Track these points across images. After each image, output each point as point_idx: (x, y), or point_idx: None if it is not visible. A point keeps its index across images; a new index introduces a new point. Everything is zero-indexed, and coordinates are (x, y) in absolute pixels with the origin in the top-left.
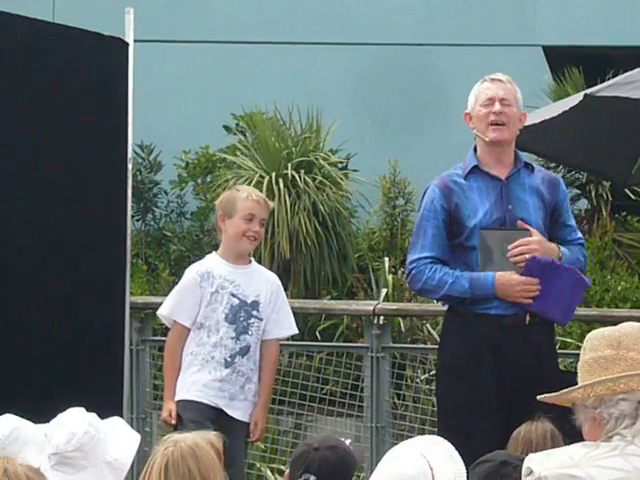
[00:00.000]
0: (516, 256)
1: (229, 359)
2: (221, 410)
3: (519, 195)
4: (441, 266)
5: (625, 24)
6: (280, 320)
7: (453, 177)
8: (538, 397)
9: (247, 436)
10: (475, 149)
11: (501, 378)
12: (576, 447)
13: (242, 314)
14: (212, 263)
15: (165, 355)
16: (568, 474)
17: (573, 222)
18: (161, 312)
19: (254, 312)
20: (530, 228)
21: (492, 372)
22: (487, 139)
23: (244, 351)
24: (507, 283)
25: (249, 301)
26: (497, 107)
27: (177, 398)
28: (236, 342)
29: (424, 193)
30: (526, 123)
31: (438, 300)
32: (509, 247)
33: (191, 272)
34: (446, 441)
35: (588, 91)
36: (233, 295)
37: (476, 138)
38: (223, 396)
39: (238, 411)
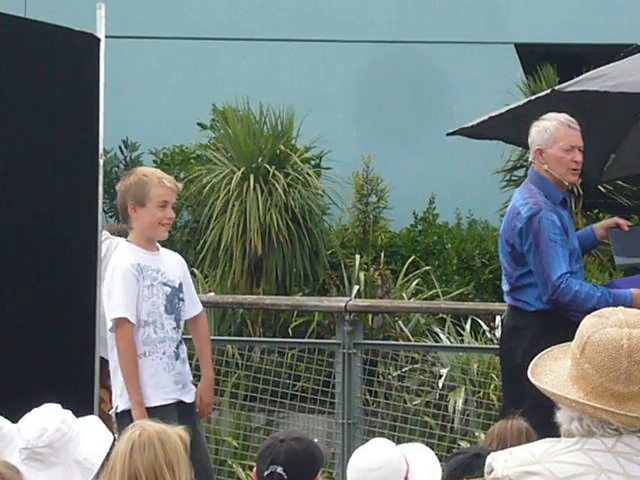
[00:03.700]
0: None
1: (176, 350)
2: (178, 401)
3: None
4: (582, 281)
5: (597, 22)
6: (194, 296)
7: (549, 204)
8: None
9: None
10: (543, 180)
11: None
12: (539, 443)
13: (176, 301)
14: (134, 254)
15: (127, 358)
16: (528, 471)
17: None
18: (118, 315)
19: (181, 295)
20: None
21: None
22: (567, 182)
23: (182, 337)
24: None
25: (176, 286)
26: (579, 157)
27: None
28: (177, 331)
29: (531, 218)
30: (494, 113)
31: (581, 312)
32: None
33: (125, 266)
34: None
35: (556, 87)
36: (164, 284)
37: (543, 170)
38: (179, 388)
39: (189, 395)
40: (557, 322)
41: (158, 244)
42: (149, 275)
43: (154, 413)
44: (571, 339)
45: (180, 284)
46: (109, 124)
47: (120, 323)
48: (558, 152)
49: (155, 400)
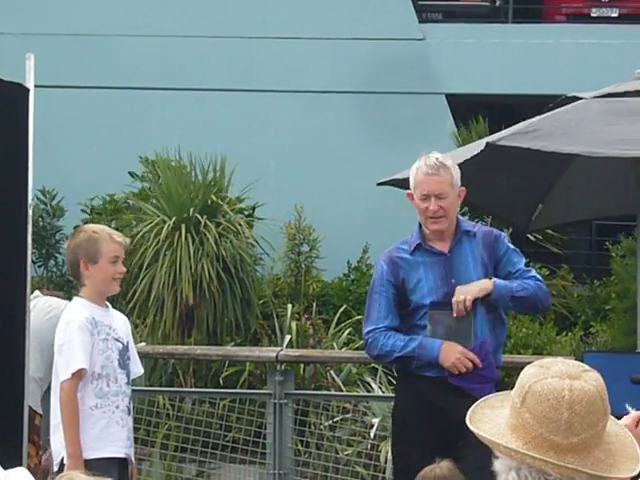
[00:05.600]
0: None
1: (129, 406)
2: (124, 458)
3: (461, 267)
4: (394, 333)
5: (527, 73)
6: (136, 356)
7: (400, 253)
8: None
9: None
10: (420, 225)
11: (438, 429)
12: None
13: (126, 358)
14: (87, 309)
15: (70, 408)
16: None
17: (520, 265)
18: (79, 366)
19: (129, 354)
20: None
21: (429, 424)
22: (427, 231)
23: (131, 392)
24: (451, 348)
25: (125, 343)
26: (433, 206)
27: (89, 456)
28: (128, 387)
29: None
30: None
31: (392, 363)
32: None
33: (80, 320)
34: None
35: (490, 140)
36: (116, 340)
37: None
38: (129, 444)
39: (131, 450)
40: (406, 376)
41: (107, 302)
42: (103, 330)
43: (99, 465)
44: (423, 393)
45: (128, 342)
46: (38, 173)
47: (78, 375)
48: (417, 200)
49: (103, 452)
